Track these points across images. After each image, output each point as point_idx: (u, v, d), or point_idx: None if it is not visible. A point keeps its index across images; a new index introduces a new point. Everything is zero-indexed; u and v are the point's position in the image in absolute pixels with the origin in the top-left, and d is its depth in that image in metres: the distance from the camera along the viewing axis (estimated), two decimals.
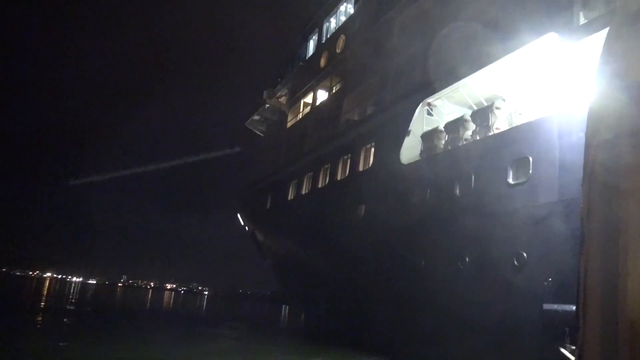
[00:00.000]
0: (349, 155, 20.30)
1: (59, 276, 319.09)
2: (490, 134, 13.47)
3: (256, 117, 32.20)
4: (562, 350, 9.85)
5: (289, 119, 29.15)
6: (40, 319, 19.74)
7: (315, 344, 18.89)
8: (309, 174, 23.67)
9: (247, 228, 34.25)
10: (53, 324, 18.49)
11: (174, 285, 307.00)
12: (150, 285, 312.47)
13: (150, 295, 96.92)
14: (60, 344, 13.11)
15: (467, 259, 12.75)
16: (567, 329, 9.75)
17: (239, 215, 35.74)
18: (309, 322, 31.23)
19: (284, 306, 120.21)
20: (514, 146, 12.24)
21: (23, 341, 12.51)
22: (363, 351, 16.13)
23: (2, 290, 47.37)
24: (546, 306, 10.34)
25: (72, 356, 11.11)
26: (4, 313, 21.26)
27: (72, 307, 30.84)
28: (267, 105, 30.52)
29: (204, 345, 15.99)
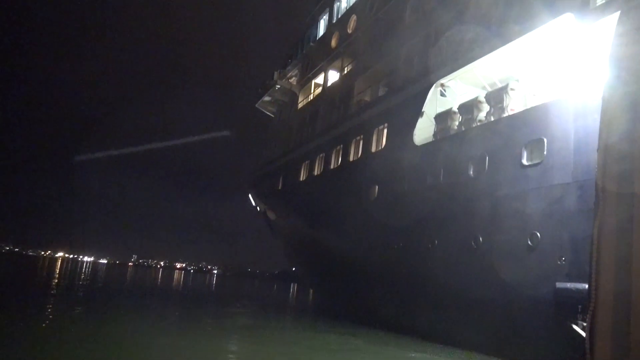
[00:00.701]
0: (362, 136, 20.44)
1: (71, 256, 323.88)
2: (504, 115, 13.56)
3: (267, 99, 32.25)
4: (574, 327, 10.14)
5: (300, 100, 29.21)
6: (54, 292, 20.27)
7: (324, 321, 19.30)
8: (321, 155, 23.86)
9: (258, 208, 34.64)
10: (66, 300, 18.97)
11: (184, 265, 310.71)
12: (160, 264, 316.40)
13: (160, 274, 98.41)
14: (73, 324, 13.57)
15: (481, 239, 12.99)
16: (580, 307, 10.02)
17: (250, 196, 36.13)
18: (318, 300, 31.83)
19: (292, 284, 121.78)
20: (528, 127, 12.35)
21: (36, 318, 12.93)
22: (372, 329, 16.52)
23: (17, 269, 48.34)
24: (559, 284, 10.60)
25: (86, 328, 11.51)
26: (20, 289, 21.86)
27: (84, 283, 31.52)
28: (278, 87, 30.54)
29: (216, 322, 16.33)
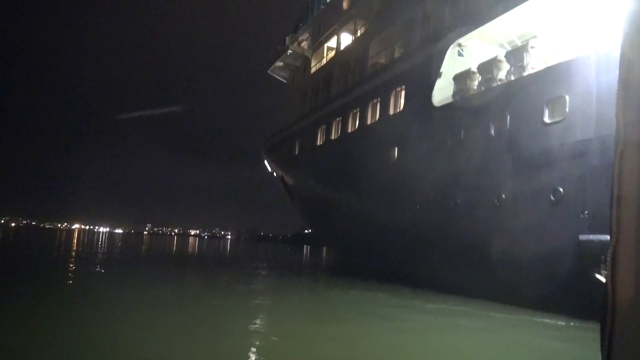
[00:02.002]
0: (379, 99, 20.62)
1: (87, 227, 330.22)
2: (525, 74, 13.70)
3: (279, 64, 32.23)
4: (597, 276, 10.65)
5: (313, 64, 29.19)
6: (72, 265, 21.07)
7: (347, 279, 19.96)
8: (338, 119, 24.10)
9: (275, 174, 35.17)
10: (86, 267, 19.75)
11: (198, 231, 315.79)
12: (174, 232, 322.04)
13: (175, 241, 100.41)
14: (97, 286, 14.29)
15: (504, 196, 13.39)
16: (603, 257, 10.49)
17: (265, 162, 36.61)
18: (337, 260, 32.70)
19: (305, 247, 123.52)
20: (550, 85, 12.52)
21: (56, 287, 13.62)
22: (396, 285, 17.18)
23: (37, 240, 49.77)
24: (582, 237, 11.05)
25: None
26: (41, 259, 22.78)
27: (102, 250, 32.57)
28: (290, 52, 30.48)
29: (243, 284, 16.84)
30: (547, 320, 10.97)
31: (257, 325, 8.96)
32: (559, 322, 10.78)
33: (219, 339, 7.45)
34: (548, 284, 11.88)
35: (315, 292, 16.29)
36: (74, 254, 29.74)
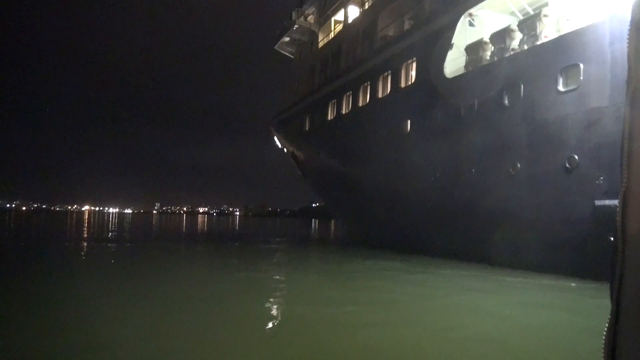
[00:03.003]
0: (389, 72, 20.71)
1: (97, 208, 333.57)
2: (538, 42, 13.78)
3: (285, 39, 32.14)
4: (613, 239, 10.98)
5: (320, 38, 29.11)
6: (85, 245, 21.64)
7: (361, 249, 20.43)
8: (348, 93, 24.22)
9: (285, 150, 35.46)
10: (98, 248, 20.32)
11: (206, 209, 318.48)
12: (183, 210, 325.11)
13: (184, 219, 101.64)
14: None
15: (519, 165, 13.67)
16: None
17: (275, 138, 36.85)
18: (349, 232, 33.25)
19: (313, 220, 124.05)
20: (563, 54, 12.64)
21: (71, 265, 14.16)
22: (412, 255, 17.65)
23: (49, 221, 50.56)
24: (598, 202, 11.37)
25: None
26: (56, 238, 23.41)
27: (129, 230, 33.20)
28: (296, 26, 30.35)
29: (262, 258, 17.25)
30: (561, 283, 11.41)
31: (293, 292, 9.44)
32: (572, 284, 11.23)
33: (260, 305, 7.89)
34: (565, 249, 12.27)
35: (336, 262, 16.74)
36: (109, 234, 30.40)
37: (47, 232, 32.73)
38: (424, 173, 17.70)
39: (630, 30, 1.00)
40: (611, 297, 1.01)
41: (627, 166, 0.99)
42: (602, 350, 1.02)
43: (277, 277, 12.85)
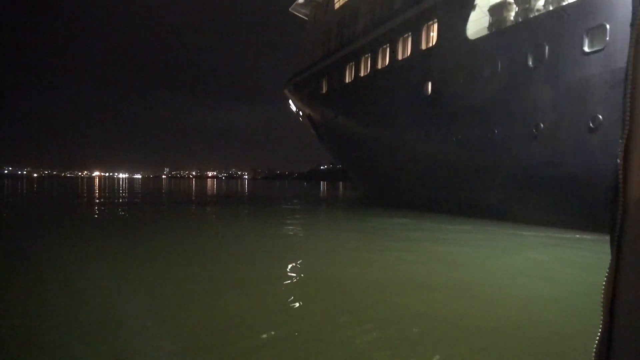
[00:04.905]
0: (409, 34, 20.81)
1: (107, 174, 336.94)
2: (564, 3, 13.91)
3: (300, 1, 31.92)
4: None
5: (336, 0, 28.94)
6: (98, 208, 22.22)
7: (382, 209, 20.91)
8: (366, 55, 24.35)
9: (300, 113, 35.75)
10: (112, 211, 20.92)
11: (215, 173, 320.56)
12: (192, 174, 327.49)
13: (194, 183, 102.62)
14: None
15: (542, 125, 14.07)
16: None
17: (290, 101, 37.09)
18: (364, 193, 33.92)
19: (321, 182, 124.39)
20: (590, 14, 12.82)
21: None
22: (435, 213, 18.24)
23: (62, 187, 51.42)
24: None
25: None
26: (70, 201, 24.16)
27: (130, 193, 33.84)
28: None
29: (284, 219, 17.43)
30: (586, 236, 12.02)
31: (332, 248, 10.03)
32: (593, 237, 11.83)
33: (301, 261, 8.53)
34: (587, 206, 12.82)
35: (364, 221, 17.26)
36: (129, 197, 31.17)
37: (68, 197, 33.56)
38: (446, 134, 18.11)
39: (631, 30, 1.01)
40: (611, 250, 1.02)
41: (630, 120, 1.01)
42: (601, 302, 1.04)
43: (311, 234, 13.45)
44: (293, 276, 7.22)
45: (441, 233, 13.10)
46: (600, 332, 1.03)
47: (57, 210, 20.97)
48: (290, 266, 8.03)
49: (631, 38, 0.99)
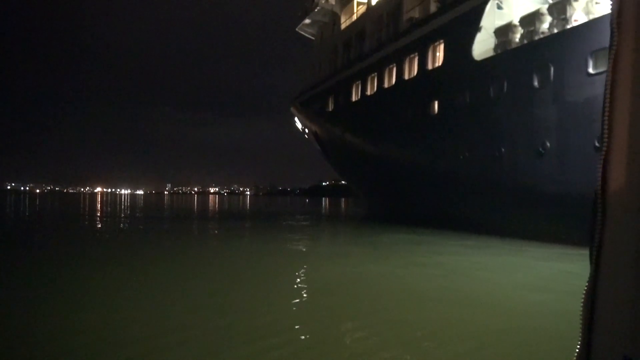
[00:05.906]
0: (416, 54, 21.30)
1: (109, 190, 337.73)
2: (568, 26, 14.35)
3: (307, 21, 32.61)
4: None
5: (343, 20, 29.59)
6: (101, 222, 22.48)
7: (387, 225, 21.09)
8: (373, 74, 24.84)
9: (306, 130, 36.21)
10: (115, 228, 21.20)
11: (217, 189, 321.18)
12: (194, 190, 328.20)
13: (196, 199, 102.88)
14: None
15: (548, 144, 14.42)
16: None
17: (296, 118, 37.59)
18: (370, 209, 34.17)
19: (323, 198, 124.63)
20: (594, 37, 13.23)
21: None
22: (443, 229, 18.47)
23: (64, 203, 51.68)
24: None
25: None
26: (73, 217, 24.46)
27: (154, 213, 34.04)
28: (318, 8, 30.81)
29: (294, 235, 17.64)
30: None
31: (347, 260, 10.32)
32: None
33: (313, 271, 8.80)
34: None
35: (374, 235, 17.54)
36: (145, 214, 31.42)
37: (76, 213, 33.85)
38: (453, 151, 18.44)
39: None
40: (590, 261, 1.03)
41: (608, 132, 1.02)
42: (580, 311, 1.05)
43: (324, 248, 13.74)
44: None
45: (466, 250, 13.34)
46: (581, 338, 1.06)
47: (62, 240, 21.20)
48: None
49: (609, 59, 1.05)
